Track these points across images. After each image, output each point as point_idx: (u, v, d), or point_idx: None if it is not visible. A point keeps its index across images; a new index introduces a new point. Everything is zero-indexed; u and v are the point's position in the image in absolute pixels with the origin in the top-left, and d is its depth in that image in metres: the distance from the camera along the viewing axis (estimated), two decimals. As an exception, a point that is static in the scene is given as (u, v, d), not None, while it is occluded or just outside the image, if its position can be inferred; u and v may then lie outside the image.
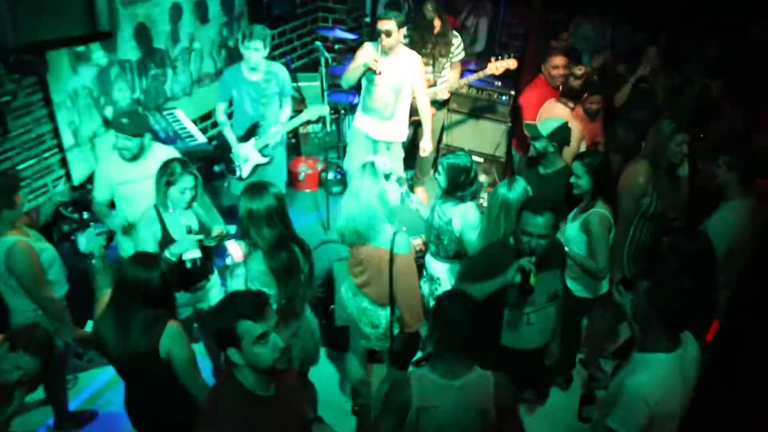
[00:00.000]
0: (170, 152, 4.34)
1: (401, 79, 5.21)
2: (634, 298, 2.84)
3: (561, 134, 4.39)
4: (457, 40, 5.90)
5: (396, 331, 3.71)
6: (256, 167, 5.33)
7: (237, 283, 3.28)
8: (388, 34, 4.95)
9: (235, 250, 3.71)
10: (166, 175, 3.67)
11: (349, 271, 3.90)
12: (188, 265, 3.73)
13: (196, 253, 3.74)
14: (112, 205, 4.29)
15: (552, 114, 4.98)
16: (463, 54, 6.02)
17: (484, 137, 6.60)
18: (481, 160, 6.58)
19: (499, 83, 6.37)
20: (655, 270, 3.55)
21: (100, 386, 4.57)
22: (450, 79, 5.98)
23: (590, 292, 4.17)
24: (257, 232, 3.29)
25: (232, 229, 3.96)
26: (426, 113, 5.43)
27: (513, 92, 6.28)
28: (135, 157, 4.15)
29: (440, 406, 2.68)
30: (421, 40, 5.76)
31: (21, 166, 4.60)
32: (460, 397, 2.68)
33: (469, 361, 2.73)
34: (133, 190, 4.14)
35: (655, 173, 4.28)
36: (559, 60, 5.49)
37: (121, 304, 2.96)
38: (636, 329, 2.91)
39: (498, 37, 7.18)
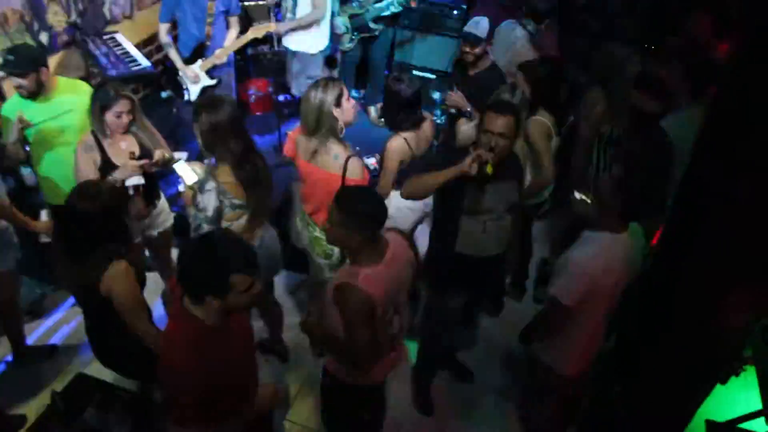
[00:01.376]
0: (80, 86, 4.10)
1: None
2: (604, 179, 3.08)
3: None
4: None
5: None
6: (205, 90, 5.21)
7: (209, 198, 3.23)
8: None
9: (186, 172, 3.64)
10: (99, 99, 3.54)
11: (300, 198, 3.85)
12: (131, 192, 3.65)
13: (140, 180, 3.65)
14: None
15: (509, 37, 4.99)
16: None
17: (435, 53, 6.49)
18: (433, 76, 6.52)
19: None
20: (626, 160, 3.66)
21: (58, 319, 4.56)
22: None
23: (537, 198, 4.26)
24: (224, 145, 3.23)
25: (179, 154, 3.88)
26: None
27: (465, 6, 6.18)
28: (36, 96, 3.84)
29: None
30: None
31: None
32: None
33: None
34: (47, 131, 3.88)
35: (611, 98, 4.27)
36: None
37: (68, 235, 2.89)
38: (592, 210, 3.06)
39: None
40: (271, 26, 5.16)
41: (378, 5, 5.72)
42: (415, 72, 6.50)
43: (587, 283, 2.91)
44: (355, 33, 5.90)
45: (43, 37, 4.95)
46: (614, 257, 2.95)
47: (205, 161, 3.49)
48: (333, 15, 5.71)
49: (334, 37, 5.94)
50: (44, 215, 3.76)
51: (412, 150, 3.80)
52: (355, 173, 3.45)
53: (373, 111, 6.45)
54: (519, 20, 5.10)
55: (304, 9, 5.44)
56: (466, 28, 4.55)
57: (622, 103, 3.98)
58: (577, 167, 4.32)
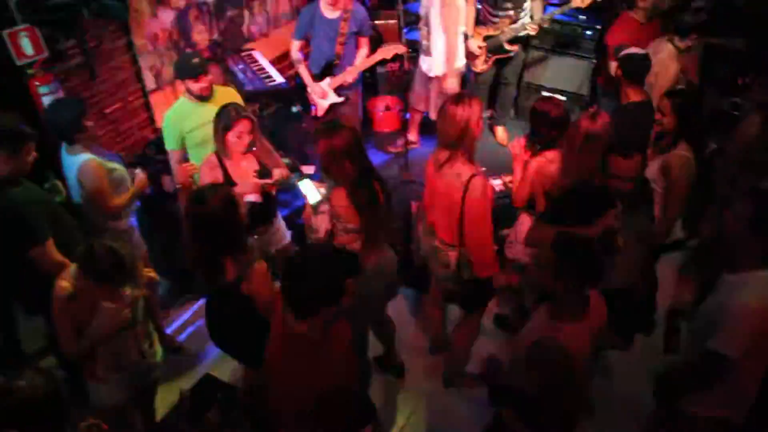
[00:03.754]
0: (231, 92, 4.37)
1: (426, 11, 5.31)
2: (727, 219, 2.75)
3: (633, 64, 4.23)
4: None
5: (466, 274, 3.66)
6: (332, 106, 5.36)
7: (322, 220, 3.31)
8: None
9: (310, 190, 3.74)
10: (221, 120, 3.70)
11: (423, 206, 3.86)
12: (247, 208, 3.73)
13: (257, 197, 3.78)
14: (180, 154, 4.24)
15: (656, 57, 4.76)
16: None
17: (566, 74, 6.37)
18: (563, 98, 6.38)
19: (584, 17, 6.10)
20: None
21: (184, 320, 4.80)
22: (534, 10, 5.71)
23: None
24: (339, 169, 3.29)
25: (297, 172, 3.98)
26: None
27: (599, 26, 6.02)
28: (203, 99, 4.13)
29: None
30: None
31: (108, 110, 4.79)
32: None
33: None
34: (203, 135, 4.11)
35: None
36: None
37: (199, 238, 3.05)
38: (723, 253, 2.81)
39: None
40: (401, 47, 5.23)
41: (513, 26, 5.67)
42: (544, 92, 6.41)
43: (755, 331, 2.61)
44: (489, 54, 5.87)
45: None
46: None
47: (326, 182, 3.55)
48: (466, 37, 5.72)
49: (468, 58, 5.95)
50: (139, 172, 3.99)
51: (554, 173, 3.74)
52: (475, 194, 3.39)
53: (500, 131, 6.40)
54: (668, 37, 4.95)
55: (437, 32, 5.45)
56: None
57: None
58: (721, 198, 4.08)
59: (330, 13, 5.09)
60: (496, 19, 5.65)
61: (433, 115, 5.80)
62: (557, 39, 6.30)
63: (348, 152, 3.27)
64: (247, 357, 3.42)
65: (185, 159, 4.19)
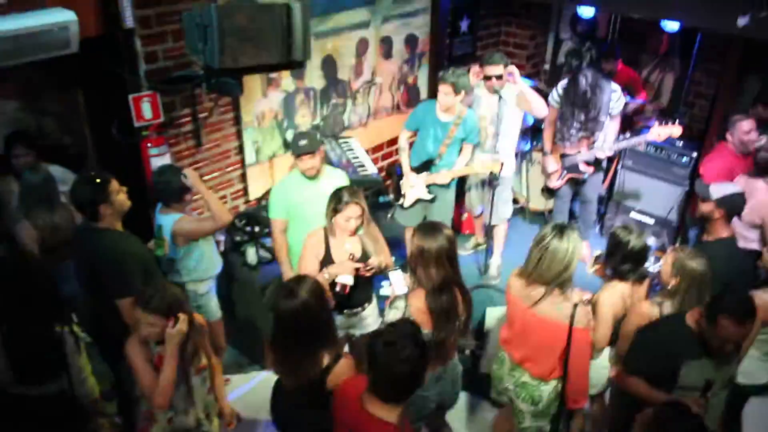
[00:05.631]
0: (341, 175, 4.54)
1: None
2: None
3: (732, 202, 4.13)
4: (616, 94, 5.55)
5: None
6: (418, 201, 5.49)
7: (394, 315, 3.34)
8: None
9: (398, 281, 3.79)
10: (334, 202, 3.84)
11: (501, 344, 3.75)
12: (337, 288, 3.80)
13: (349, 280, 3.82)
14: (284, 223, 4.41)
15: (752, 195, 4.63)
16: (621, 107, 5.66)
17: (657, 198, 6.33)
18: (651, 221, 6.32)
19: (681, 143, 6.09)
20: None
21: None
22: (608, 133, 5.69)
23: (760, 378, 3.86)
24: (425, 271, 3.31)
25: (394, 263, 4.04)
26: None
27: (695, 154, 6.01)
28: (314, 177, 4.32)
29: None
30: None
31: (207, 177, 5.05)
32: None
33: None
34: (309, 209, 4.27)
35: None
36: (749, 124, 5.18)
37: (283, 335, 3.01)
38: None
39: (683, 95, 6.88)
40: (497, 166, 5.32)
41: (595, 147, 5.65)
42: (632, 214, 6.37)
43: None
44: (564, 171, 5.91)
45: (288, 135, 5.54)
46: None
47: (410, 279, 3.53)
48: (547, 154, 5.82)
49: (543, 173, 6.04)
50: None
51: (626, 305, 3.67)
52: (582, 322, 3.29)
53: (583, 248, 6.31)
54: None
55: (504, 136, 5.52)
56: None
57: None
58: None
59: (444, 117, 5.29)
60: (573, 139, 5.67)
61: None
62: (651, 162, 6.30)
63: (438, 257, 3.28)
64: None
65: (285, 230, 4.39)
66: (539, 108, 5.41)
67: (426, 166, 5.43)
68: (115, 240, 3.63)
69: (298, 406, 3.13)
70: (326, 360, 2.98)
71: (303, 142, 4.20)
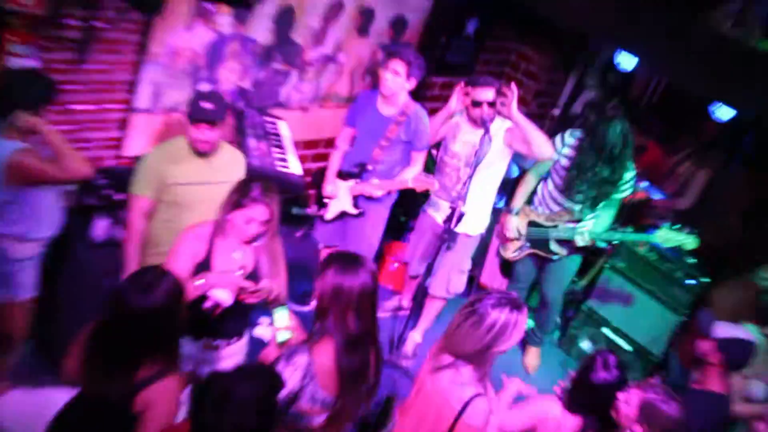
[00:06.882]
0: (241, 160, 4.50)
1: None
2: None
3: (736, 350, 4.23)
4: (629, 174, 5.55)
5: None
6: (343, 215, 5.43)
7: (292, 375, 3.22)
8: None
9: (282, 321, 3.61)
10: (239, 193, 3.72)
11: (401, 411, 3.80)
12: (206, 304, 3.71)
13: (227, 299, 3.72)
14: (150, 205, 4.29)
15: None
16: (628, 192, 5.67)
17: (643, 320, 6.38)
18: (628, 347, 6.37)
19: (693, 261, 6.18)
20: None
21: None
22: (603, 216, 5.68)
23: None
24: (339, 317, 3.25)
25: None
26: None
27: (707, 280, 6.10)
28: (203, 155, 4.23)
29: None
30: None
31: (77, 106, 4.84)
32: None
33: None
34: (189, 195, 4.21)
35: None
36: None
37: (111, 336, 2.99)
38: None
39: (712, 201, 7.01)
40: (435, 184, 5.30)
41: (577, 227, 5.57)
42: (605, 329, 6.43)
43: None
44: (527, 245, 5.87)
45: (203, 88, 5.37)
46: None
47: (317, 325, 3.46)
48: (513, 212, 5.81)
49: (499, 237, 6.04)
50: None
51: None
52: (475, 419, 3.34)
53: (531, 355, 6.40)
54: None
55: (479, 184, 5.42)
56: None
57: None
58: None
59: (385, 109, 5.23)
60: (556, 207, 5.67)
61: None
62: (649, 272, 6.33)
63: (360, 301, 3.27)
64: None
65: (149, 214, 4.25)
66: (542, 147, 5.21)
67: (358, 171, 5.35)
68: None
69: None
70: (146, 371, 2.97)
71: (206, 105, 4.10)
